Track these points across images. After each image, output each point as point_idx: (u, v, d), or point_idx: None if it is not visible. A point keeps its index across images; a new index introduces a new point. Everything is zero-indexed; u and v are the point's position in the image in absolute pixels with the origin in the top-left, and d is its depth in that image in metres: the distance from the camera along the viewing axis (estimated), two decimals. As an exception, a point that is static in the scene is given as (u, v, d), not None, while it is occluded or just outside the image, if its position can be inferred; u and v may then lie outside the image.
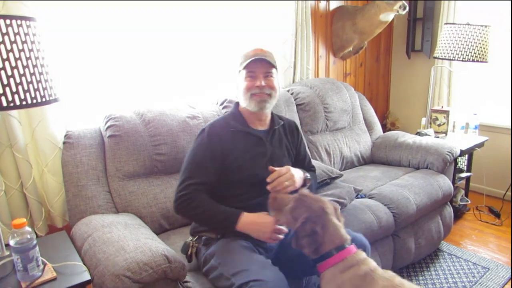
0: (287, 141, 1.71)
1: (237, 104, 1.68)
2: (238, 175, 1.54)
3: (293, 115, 2.47)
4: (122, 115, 1.89)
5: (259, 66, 1.55)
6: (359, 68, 3.42)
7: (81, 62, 1.98)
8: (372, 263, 1.19)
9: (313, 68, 3.01)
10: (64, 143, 1.83)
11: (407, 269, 2.29)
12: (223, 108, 2.25)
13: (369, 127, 2.91)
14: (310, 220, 1.21)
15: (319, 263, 1.21)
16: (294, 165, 1.66)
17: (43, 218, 1.88)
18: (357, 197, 2.01)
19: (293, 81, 2.81)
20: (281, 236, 1.44)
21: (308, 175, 1.62)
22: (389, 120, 3.71)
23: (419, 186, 2.24)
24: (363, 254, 1.21)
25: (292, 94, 2.58)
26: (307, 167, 1.78)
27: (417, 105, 3.58)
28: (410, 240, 2.18)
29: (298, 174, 1.53)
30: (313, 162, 2.07)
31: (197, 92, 2.41)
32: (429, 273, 2.26)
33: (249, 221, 1.44)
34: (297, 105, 2.54)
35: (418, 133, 2.88)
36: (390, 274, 1.19)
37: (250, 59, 1.53)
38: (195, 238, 1.56)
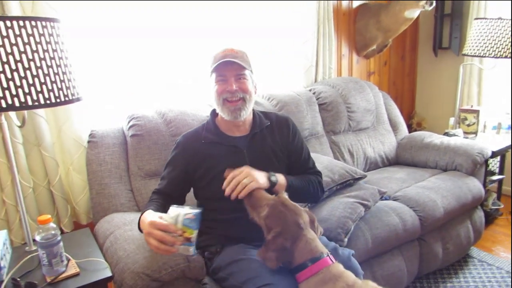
0: (273, 142, 1.55)
1: (214, 111, 1.57)
2: (212, 189, 1.46)
3: (315, 115, 2.44)
4: (144, 114, 1.91)
5: (230, 68, 1.43)
6: (384, 67, 3.35)
7: (105, 63, 2.02)
8: (351, 278, 1.15)
9: (336, 67, 2.96)
10: (88, 142, 1.87)
11: (434, 275, 2.21)
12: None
13: (394, 127, 2.84)
14: (282, 236, 1.17)
15: (296, 273, 1.18)
16: (290, 169, 1.57)
17: (68, 215, 1.93)
18: (381, 199, 1.96)
19: (315, 81, 2.77)
20: (156, 243, 1.19)
21: (275, 177, 1.41)
22: (415, 120, 3.61)
23: (447, 189, 2.16)
24: (340, 267, 1.17)
25: (314, 93, 2.55)
26: (307, 170, 1.63)
27: (445, 104, 3.47)
28: (437, 245, 2.10)
29: (259, 173, 1.38)
30: (335, 162, 2.04)
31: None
32: (458, 280, 2.18)
33: (142, 219, 1.32)
34: (319, 104, 2.51)
35: (446, 134, 2.78)
36: (370, 285, 1.15)
37: (219, 62, 1.42)
38: (199, 251, 1.48)
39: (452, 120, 2.98)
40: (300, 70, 2.71)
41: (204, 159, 1.49)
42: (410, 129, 3.49)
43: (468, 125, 2.90)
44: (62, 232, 1.89)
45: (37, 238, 1.29)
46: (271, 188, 1.38)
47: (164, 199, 1.48)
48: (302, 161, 1.63)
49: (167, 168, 1.54)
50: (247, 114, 1.49)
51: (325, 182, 1.87)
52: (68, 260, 1.39)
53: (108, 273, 1.34)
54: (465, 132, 2.86)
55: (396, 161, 2.73)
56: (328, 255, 1.19)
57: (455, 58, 3.31)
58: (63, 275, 1.32)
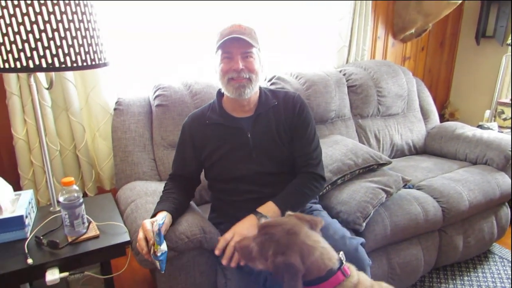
0: (278, 123, 1.48)
1: (220, 90, 1.53)
2: (217, 170, 1.48)
3: (343, 97, 2.37)
4: (171, 85, 1.91)
5: (236, 45, 1.36)
6: (420, 52, 3.21)
7: (133, 31, 2.01)
8: (366, 283, 1.05)
9: (370, 49, 2.86)
10: (114, 109, 1.89)
11: (451, 267, 2.17)
12: (271, 84, 2.22)
13: (425, 115, 2.74)
14: (279, 253, 1.02)
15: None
16: (293, 152, 1.49)
17: (93, 180, 1.99)
18: (404, 187, 1.91)
19: (347, 62, 2.69)
20: (139, 239, 1.21)
21: (264, 217, 1.33)
22: (448, 110, 3.47)
23: (475, 182, 2.08)
24: (354, 277, 1.05)
25: (344, 75, 2.47)
26: (307, 159, 1.49)
27: (482, 96, 3.31)
28: (458, 238, 2.05)
29: (245, 225, 1.31)
30: (360, 145, 1.99)
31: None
32: (476, 274, 2.12)
33: None
34: (348, 86, 2.44)
35: (480, 126, 2.67)
36: (384, 287, 1.07)
37: (225, 38, 1.34)
38: None
39: (488, 113, 2.85)
40: (332, 49, 2.63)
41: (209, 140, 1.47)
42: (442, 119, 3.37)
43: (505, 119, 2.77)
44: (85, 195, 1.95)
45: (60, 199, 1.33)
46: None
47: (180, 183, 1.50)
48: (304, 141, 1.49)
49: (177, 150, 1.55)
50: (251, 93, 1.43)
51: (348, 165, 1.85)
52: (89, 222, 1.43)
53: (127, 237, 1.37)
54: (500, 126, 2.74)
55: (424, 150, 2.65)
56: (340, 266, 1.04)
57: (498, 48, 3.12)
58: (84, 236, 1.36)
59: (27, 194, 1.53)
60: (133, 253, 1.33)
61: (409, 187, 2.03)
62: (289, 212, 1.16)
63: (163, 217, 1.26)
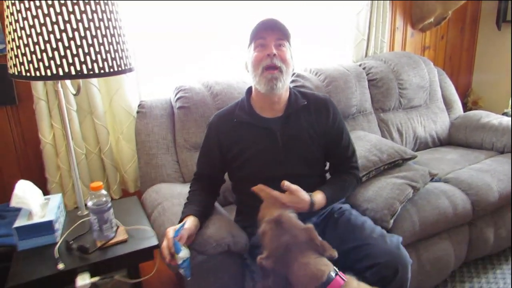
0: (308, 124, 1.44)
1: (249, 89, 1.51)
2: (245, 171, 1.44)
3: (364, 91, 2.34)
4: (192, 86, 1.91)
5: (271, 33, 1.37)
6: (440, 41, 3.14)
7: (154, 34, 2.02)
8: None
9: (388, 41, 2.81)
10: (137, 112, 1.90)
11: (482, 261, 2.12)
12: (290, 82, 2.20)
13: (448, 105, 2.68)
14: (270, 259, 1.05)
15: None
16: (327, 157, 1.50)
17: (117, 182, 2.01)
18: (431, 181, 1.87)
19: (366, 55, 2.65)
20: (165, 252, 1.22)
21: (314, 198, 1.34)
22: (471, 98, 3.39)
23: (504, 172, 2.03)
24: (354, 283, 1.04)
25: (364, 68, 2.43)
26: (345, 160, 1.52)
27: (505, 83, 3.21)
28: (488, 230, 2.00)
29: (298, 198, 1.32)
30: (384, 141, 1.96)
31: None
32: (508, 267, 2.07)
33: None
34: (369, 80, 2.40)
35: (505, 114, 2.61)
36: None
37: (260, 27, 1.38)
38: None
39: (513, 100, 2.77)
40: (351, 43, 2.59)
41: (237, 140, 1.44)
42: (465, 108, 3.29)
43: (531, 106, 2.68)
44: (111, 198, 1.97)
45: (89, 204, 1.35)
46: (311, 208, 1.34)
47: (205, 183, 1.50)
48: (342, 149, 1.51)
49: (202, 150, 1.53)
50: (283, 88, 1.40)
51: (373, 161, 1.82)
52: (117, 226, 1.44)
53: (155, 241, 1.37)
54: (527, 113, 2.66)
55: (448, 141, 2.59)
56: (337, 273, 1.04)
57: (521, 32, 3.03)
58: (112, 240, 1.37)
59: (56, 198, 1.55)
60: (161, 258, 1.34)
61: (436, 181, 1.99)
62: (309, 225, 1.13)
63: (181, 225, 1.25)
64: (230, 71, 2.23)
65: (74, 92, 1.51)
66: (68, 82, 1.57)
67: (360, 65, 2.46)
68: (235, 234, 1.35)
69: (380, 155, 1.84)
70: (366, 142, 1.95)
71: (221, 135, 1.46)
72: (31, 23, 1.16)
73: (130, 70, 1.33)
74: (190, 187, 1.51)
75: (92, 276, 1.26)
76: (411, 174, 1.79)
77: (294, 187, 1.31)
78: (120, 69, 1.27)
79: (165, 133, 1.88)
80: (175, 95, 1.91)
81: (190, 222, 1.28)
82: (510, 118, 2.43)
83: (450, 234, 1.88)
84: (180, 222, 1.32)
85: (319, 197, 1.37)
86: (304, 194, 1.32)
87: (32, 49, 1.17)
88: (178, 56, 2.12)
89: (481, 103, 3.34)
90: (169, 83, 2.04)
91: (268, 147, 1.42)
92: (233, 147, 1.45)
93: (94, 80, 1.81)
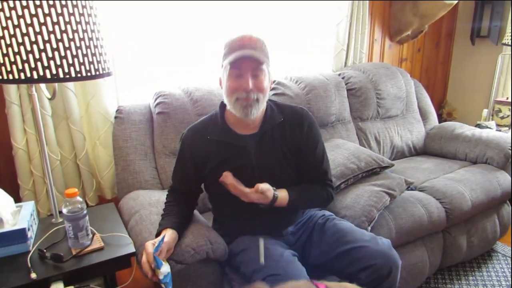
0: (283, 142, 1.40)
1: (223, 103, 1.42)
2: (219, 188, 1.39)
3: (343, 100, 2.37)
4: (171, 92, 1.90)
5: (248, 62, 1.27)
6: (417, 53, 3.23)
7: (133, 39, 2.00)
8: None
9: (367, 52, 2.87)
10: (115, 117, 1.87)
11: (456, 268, 2.17)
12: (270, 90, 2.21)
13: (424, 116, 2.75)
14: None
15: None
16: (299, 173, 1.45)
17: (93, 189, 1.96)
18: (407, 189, 1.91)
19: (345, 65, 2.70)
20: (145, 268, 1.20)
21: (277, 193, 1.36)
22: (446, 110, 3.49)
23: (476, 182, 2.09)
24: None
25: (343, 78, 2.48)
26: (318, 176, 1.48)
27: (478, 95, 3.33)
28: (462, 238, 2.05)
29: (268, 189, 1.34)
30: (362, 149, 1.99)
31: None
32: (481, 273, 2.13)
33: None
34: (348, 90, 2.44)
35: (478, 125, 2.68)
36: None
37: (236, 55, 1.25)
38: None
39: (485, 112, 2.87)
40: (330, 53, 2.64)
41: (210, 157, 1.39)
42: (440, 119, 3.38)
43: (502, 118, 2.78)
44: (87, 205, 1.92)
45: (64, 211, 1.31)
46: (272, 203, 1.34)
47: (182, 196, 1.47)
48: (315, 163, 1.47)
49: (177, 164, 1.48)
50: (257, 114, 1.34)
51: (351, 169, 1.84)
52: (93, 234, 1.41)
53: (132, 249, 1.35)
54: (498, 125, 2.75)
55: (423, 151, 2.66)
56: None
57: (493, 47, 3.15)
58: (88, 248, 1.34)
59: (29, 206, 1.50)
60: (139, 268, 1.31)
61: (412, 189, 2.04)
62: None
63: (160, 240, 1.22)
64: (211, 77, 2.23)
65: (50, 97, 1.47)
66: (43, 86, 1.53)
67: (339, 75, 2.50)
68: (214, 241, 1.34)
69: (358, 163, 1.87)
70: (344, 150, 1.97)
71: (195, 150, 1.41)
72: (4, 24, 1.12)
73: (108, 74, 1.31)
74: (166, 198, 1.48)
75: (66, 285, 1.22)
76: (388, 182, 1.82)
77: (266, 188, 1.32)
78: (98, 73, 1.24)
79: (144, 139, 1.86)
80: (155, 101, 1.89)
81: (169, 235, 1.25)
82: (482, 130, 2.51)
83: (425, 241, 1.92)
84: (157, 235, 1.29)
85: (283, 195, 1.38)
86: (270, 193, 1.33)
87: (4, 51, 1.14)
88: (158, 61, 2.10)
89: (456, 114, 3.45)
90: (148, 89, 2.02)
91: (241, 165, 1.38)
92: (207, 165, 1.40)
93: (70, 85, 1.77)
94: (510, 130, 2.68)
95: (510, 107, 2.73)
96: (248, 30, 2.27)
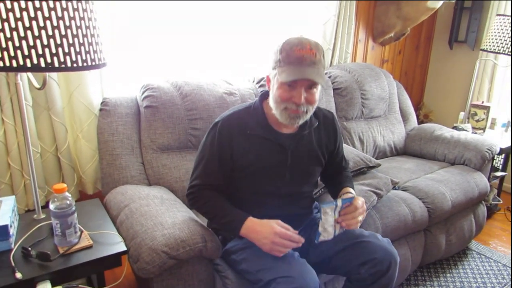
0: (318, 144, 1.44)
1: (263, 96, 1.40)
2: (249, 182, 1.38)
3: (329, 100, 2.39)
4: (160, 85, 1.84)
5: (305, 80, 1.22)
6: (398, 55, 3.30)
7: (120, 29, 1.93)
8: None
9: (352, 52, 2.90)
10: (100, 110, 1.80)
11: (434, 265, 2.24)
12: (259, 86, 2.19)
13: (405, 117, 2.81)
14: None
15: None
16: (326, 169, 1.53)
17: (75, 184, 1.89)
18: (392, 189, 1.95)
19: (331, 64, 2.71)
20: (285, 250, 1.24)
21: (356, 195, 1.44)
22: (423, 111, 3.59)
23: (456, 182, 2.16)
24: None
25: (329, 77, 2.49)
26: (340, 168, 1.59)
27: (454, 98, 3.45)
28: (441, 237, 2.12)
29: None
30: (350, 149, 2.01)
31: (234, 67, 2.35)
32: (457, 271, 2.20)
33: (251, 227, 1.27)
34: (334, 89, 2.46)
35: (455, 128, 2.77)
36: None
37: (294, 74, 1.20)
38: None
39: (462, 115, 2.96)
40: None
41: (248, 151, 1.35)
42: (418, 120, 3.47)
43: (477, 121, 2.89)
44: (68, 200, 1.84)
45: (51, 207, 1.25)
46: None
47: (220, 194, 1.38)
48: (338, 161, 1.58)
49: (210, 157, 1.35)
50: (303, 122, 1.34)
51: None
52: (81, 231, 1.35)
53: (123, 247, 1.30)
54: (473, 128, 2.85)
55: (404, 151, 2.72)
56: None
57: (469, 52, 3.26)
58: (76, 246, 1.28)
59: (10, 201, 1.42)
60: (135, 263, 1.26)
61: (396, 189, 2.08)
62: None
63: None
64: (200, 71, 2.19)
65: (39, 86, 1.39)
66: (30, 75, 1.45)
67: (326, 74, 2.51)
68: (208, 239, 1.31)
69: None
70: (332, 149, 1.98)
71: (234, 141, 1.35)
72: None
73: (104, 65, 1.25)
74: (197, 202, 1.37)
75: (53, 285, 1.17)
76: (375, 182, 1.85)
77: (362, 201, 1.36)
78: (94, 63, 1.18)
79: (130, 133, 1.80)
80: (142, 94, 1.83)
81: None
82: (459, 132, 2.59)
83: (408, 240, 1.97)
84: (234, 230, 1.31)
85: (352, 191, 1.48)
86: (360, 205, 1.35)
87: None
88: (146, 53, 2.04)
89: (432, 116, 3.55)
90: (135, 81, 1.96)
91: (276, 163, 1.37)
92: (243, 158, 1.35)
93: (53, 74, 1.68)
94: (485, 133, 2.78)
95: (485, 111, 2.83)
96: (234, 27, 2.26)
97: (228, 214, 1.32)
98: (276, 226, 1.24)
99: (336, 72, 2.53)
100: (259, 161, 1.36)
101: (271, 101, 1.32)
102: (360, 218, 1.33)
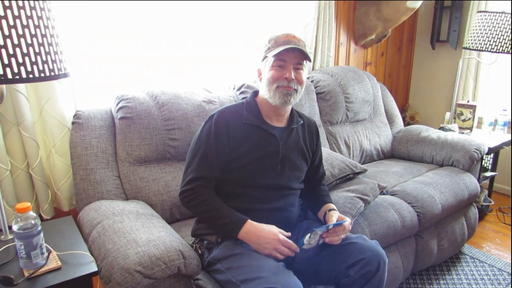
0: (304, 144, 1.52)
1: (255, 93, 1.51)
2: (243, 174, 1.39)
3: (313, 104, 2.34)
4: (135, 96, 1.77)
5: (291, 56, 1.36)
6: (381, 57, 3.27)
7: (92, 38, 1.86)
8: None
9: (334, 56, 2.86)
10: (73, 123, 1.73)
11: (426, 272, 2.17)
12: (240, 93, 2.13)
13: (390, 120, 2.77)
14: None
15: None
16: (308, 172, 1.57)
17: (49, 201, 1.80)
18: (380, 194, 1.89)
19: (313, 68, 2.67)
20: (283, 257, 1.29)
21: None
22: (408, 113, 3.56)
23: (445, 185, 2.11)
24: None
25: (312, 81, 2.45)
26: (318, 175, 1.63)
27: (439, 98, 3.43)
28: (433, 242, 2.06)
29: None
30: (335, 155, 1.96)
31: (212, 74, 2.30)
32: (451, 277, 2.14)
33: (252, 231, 1.30)
34: (317, 93, 2.41)
35: (442, 128, 2.74)
36: None
37: (282, 47, 1.34)
38: (197, 240, 1.42)
39: (448, 115, 2.93)
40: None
41: (244, 140, 1.40)
42: (404, 122, 3.44)
43: (464, 120, 2.86)
44: (41, 219, 1.75)
45: (14, 228, 1.17)
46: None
47: (211, 189, 1.39)
48: (316, 166, 1.62)
49: (206, 148, 1.37)
50: (294, 103, 1.43)
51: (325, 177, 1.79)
52: (49, 252, 1.26)
53: (93, 268, 1.22)
54: (460, 127, 2.83)
55: (391, 154, 2.67)
56: None
57: (452, 51, 3.26)
58: (43, 269, 1.20)
59: (-27, 223, 1.34)
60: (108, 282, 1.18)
61: (384, 193, 2.02)
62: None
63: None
64: (177, 81, 2.13)
65: (-3, 100, 1.32)
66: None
67: (308, 78, 2.46)
68: (187, 255, 1.24)
69: (331, 170, 1.82)
70: (317, 155, 1.93)
71: (231, 131, 1.39)
72: None
73: (65, 75, 1.18)
74: (197, 198, 1.34)
75: (17, 312, 1.08)
76: (362, 188, 1.79)
77: (348, 223, 1.39)
78: (52, 74, 1.11)
79: (105, 146, 1.72)
80: (116, 105, 1.76)
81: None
82: (446, 132, 2.56)
83: (398, 246, 1.91)
84: (232, 231, 1.31)
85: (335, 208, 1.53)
86: (348, 226, 1.38)
87: None
88: (120, 63, 1.97)
89: (418, 117, 3.52)
90: (109, 92, 1.89)
91: (270, 154, 1.42)
92: (239, 148, 1.39)
93: (21, 87, 1.60)
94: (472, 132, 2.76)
95: (471, 110, 2.80)
96: (210, 31, 2.21)
97: (227, 216, 1.33)
98: (279, 234, 1.30)
99: (318, 76, 2.48)
100: (255, 148, 1.40)
101: (264, 88, 1.42)
102: (343, 236, 1.36)
